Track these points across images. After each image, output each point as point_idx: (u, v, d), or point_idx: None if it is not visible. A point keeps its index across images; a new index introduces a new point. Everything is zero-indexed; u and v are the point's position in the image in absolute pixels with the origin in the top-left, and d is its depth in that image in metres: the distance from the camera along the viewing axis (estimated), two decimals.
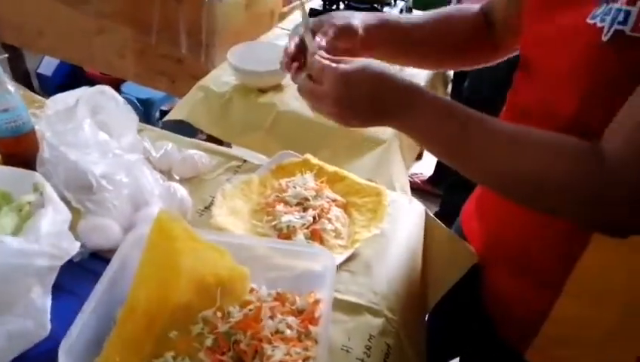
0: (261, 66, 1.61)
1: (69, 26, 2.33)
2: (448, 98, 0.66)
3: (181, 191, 0.95)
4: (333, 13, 0.86)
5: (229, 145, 1.91)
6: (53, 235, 0.67)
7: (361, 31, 0.84)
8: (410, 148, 1.70)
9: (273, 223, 0.93)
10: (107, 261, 0.88)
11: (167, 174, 1.04)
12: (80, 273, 0.86)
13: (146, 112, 2.69)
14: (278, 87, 1.69)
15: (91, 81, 2.89)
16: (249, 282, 0.79)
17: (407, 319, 0.89)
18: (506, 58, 0.96)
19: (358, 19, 0.85)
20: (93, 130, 0.86)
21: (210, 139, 1.80)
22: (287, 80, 1.71)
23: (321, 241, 0.92)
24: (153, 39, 2.24)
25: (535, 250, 0.80)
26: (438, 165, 2.53)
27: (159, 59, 2.31)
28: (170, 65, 2.29)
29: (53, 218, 0.70)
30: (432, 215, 1.07)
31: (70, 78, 3.03)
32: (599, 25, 0.60)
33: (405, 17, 0.95)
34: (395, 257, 0.95)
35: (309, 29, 0.80)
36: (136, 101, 2.66)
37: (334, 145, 1.58)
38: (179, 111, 1.71)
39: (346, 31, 0.83)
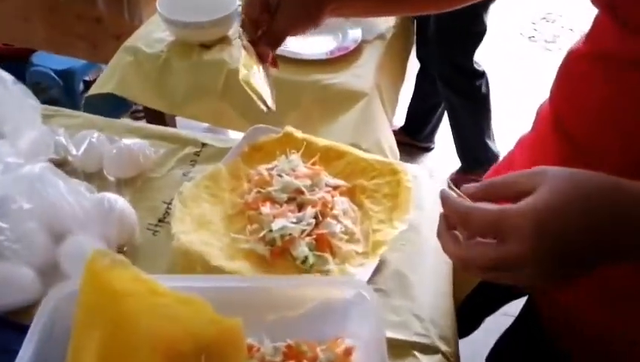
0: (201, 15, 1.32)
1: None
2: None
3: (120, 203, 0.65)
4: None
5: (172, 120, 1.59)
6: None
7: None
8: (391, 100, 1.44)
9: (261, 234, 0.66)
10: (19, 327, 0.60)
11: (98, 178, 0.74)
12: None
13: (67, 86, 2.29)
14: (224, 40, 1.39)
15: None
16: (244, 339, 0.53)
17: (457, 341, 0.65)
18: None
19: None
20: None
21: (149, 113, 1.49)
22: (233, 30, 1.39)
23: (332, 250, 0.66)
24: None
25: None
26: (410, 113, 2.29)
27: (74, 20, 1.98)
28: (89, 27, 1.97)
29: None
30: (455, 188, 0.83)
31: None
32: None
33: None
34: (432, 257, 0.70)
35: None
36: (52, 73, 2.26)
37: (304, 104, 1.31)
38: (104, 82, 1.38)
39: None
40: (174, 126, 1.64)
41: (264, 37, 0.64)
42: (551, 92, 0.71)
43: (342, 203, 0.71)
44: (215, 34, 1.36)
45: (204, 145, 0.83)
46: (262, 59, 0.65)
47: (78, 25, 1.97)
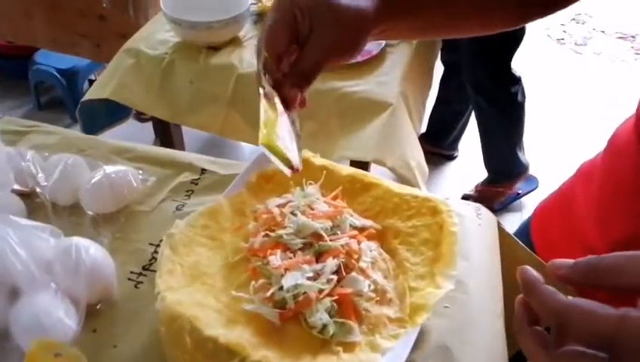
0: (209, 15, 1.20)
1: None
2: None
3: (92, 251, 0.52)
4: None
5: (178, 127, 1.46)
6: None
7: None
8: (418, 111, 1.30)
9: (269, 292, 0.52)
10: None
11: (72, 212, 0.60)
12: None
13: (71, 86, 2.19)
14: (234, 42, 1.27)
15: None
16: None
17: None
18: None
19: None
20: None
21: (155, 121, 1.37)
22: (245, 31, 1.27)
23: (358, 315, 0.52)
24: None
25: None
26: (433, 120, 2.14)
27: (76, 17, 1.90)
28: (92, 25, 1.89)
29: None
30: (506, 230, 0.68)
31: None
32: None
33: None
34: (482, 322, 0.56)
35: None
36: (55, 72, 2.15)
37: (322, 115, 1.18)
38: (102, 86, 1.26)
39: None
40: (180, 133, 1.52)
41: (292, 75, 0.50)
42: (638, 112, 0.57)
43: (370, 250, 0.57)
44: (224, 35, 1.23)
45: (203, 171, 0.69)
46: (288, 104, 0.51)
47: (80, 22, 1.88)
